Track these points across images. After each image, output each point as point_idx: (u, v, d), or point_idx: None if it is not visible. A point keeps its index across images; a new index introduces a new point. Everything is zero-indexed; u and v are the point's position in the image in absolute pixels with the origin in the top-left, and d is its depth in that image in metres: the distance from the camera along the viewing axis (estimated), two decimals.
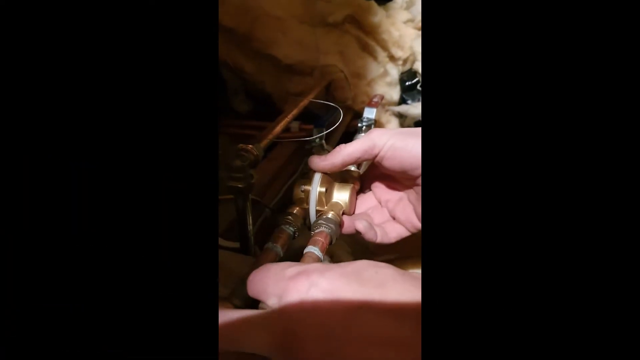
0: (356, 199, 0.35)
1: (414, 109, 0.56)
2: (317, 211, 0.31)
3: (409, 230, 0.32)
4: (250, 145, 0.27)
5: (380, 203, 0.35)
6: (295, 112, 0.36)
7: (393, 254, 0.38)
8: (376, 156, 0.30)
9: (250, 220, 0.29)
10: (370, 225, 0.31)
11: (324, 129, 0.39)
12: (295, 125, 0.52)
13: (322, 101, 0.43)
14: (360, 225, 0.31)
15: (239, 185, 0.26)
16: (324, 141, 0.38)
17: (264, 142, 0.29)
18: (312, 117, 0.47)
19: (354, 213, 0.34)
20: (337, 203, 0.32)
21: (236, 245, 0.30)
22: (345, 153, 0.31)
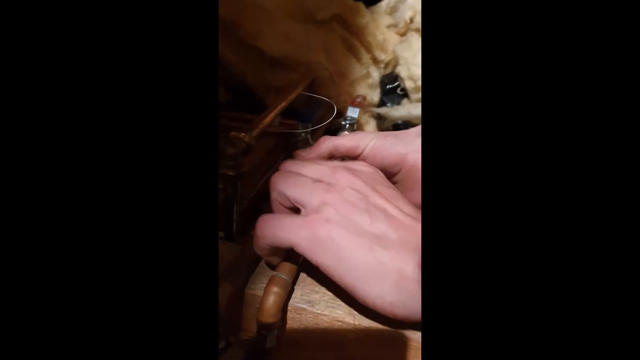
0: None
1: (394, 111, 0.56)
2: None
3: None
4: (242, 133, 0.27)
5: None
6: (284, 104, 0.36)
7: None
8: (359, 156, 0.32)
9: (236, 208, 0.28)
10: None
11: (310, 125, 0.39)
12: (276, 120, 0.51)
13: (317, 96, 0.43)
14: None
15: (230, 173, 0.26)
16: (309, 135, 0.38)
17: (256, 131, 0.29)
18: (293, 113, 0.47)
19: None
20: None
21: (221, 234, 0.30)
22: (331, 145, 0.32)
